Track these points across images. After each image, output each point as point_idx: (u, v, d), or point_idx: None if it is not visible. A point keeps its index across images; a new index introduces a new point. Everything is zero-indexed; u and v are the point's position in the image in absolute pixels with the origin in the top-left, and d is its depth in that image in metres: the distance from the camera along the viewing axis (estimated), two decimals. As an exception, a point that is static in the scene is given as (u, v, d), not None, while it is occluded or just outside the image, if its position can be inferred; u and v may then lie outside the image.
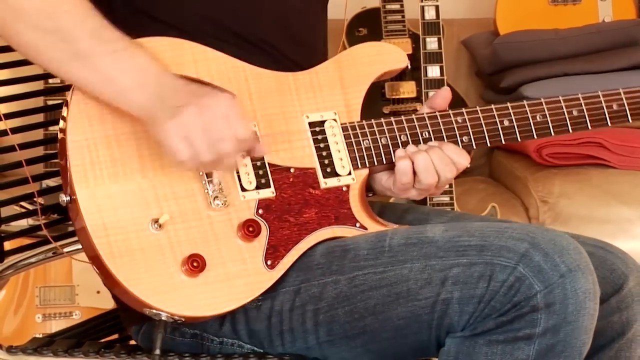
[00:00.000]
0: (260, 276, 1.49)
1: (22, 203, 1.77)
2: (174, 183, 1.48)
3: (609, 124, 1.63)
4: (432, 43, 3.14)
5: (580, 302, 1.38)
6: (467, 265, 1.41)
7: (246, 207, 1.50)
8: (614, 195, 3.10)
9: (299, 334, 1.51)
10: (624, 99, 1.64)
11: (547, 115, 1.62)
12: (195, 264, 1.45)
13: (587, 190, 3.12)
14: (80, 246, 1.57)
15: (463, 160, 1.59)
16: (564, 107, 1.62)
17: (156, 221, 1.45)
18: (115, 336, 1.85)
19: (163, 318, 1.45)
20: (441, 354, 1.46)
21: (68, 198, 1.46)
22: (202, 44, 1.54)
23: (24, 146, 1.62)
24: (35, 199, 1.62)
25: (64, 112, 1.48)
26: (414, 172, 1.57)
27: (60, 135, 1.48)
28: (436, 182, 1.57)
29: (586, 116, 1.63)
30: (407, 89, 3.39)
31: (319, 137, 1.56)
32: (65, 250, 1.76)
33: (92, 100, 1.46)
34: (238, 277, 1.47)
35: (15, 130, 1.66)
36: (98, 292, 2.85)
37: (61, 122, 1.48)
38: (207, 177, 1.49)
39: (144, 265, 1.44)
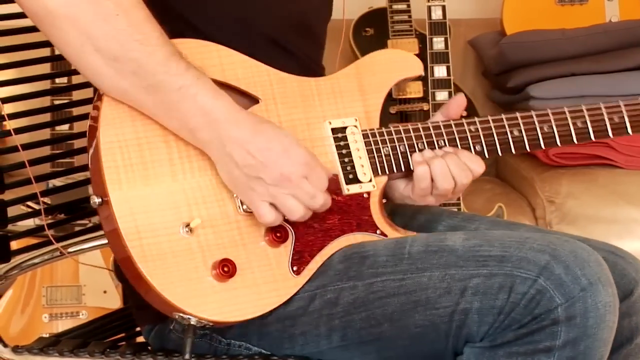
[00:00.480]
0: (287, 282, 1.48)
1: (29, 203, 1.77)
2: (204, 187, 1.47)
3: (611, 135, 1.64)
4: (438, 43, 3.14)
5: (600, 316, 1.38)
6: (487, 276, 1.41)
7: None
8: (621, 196, 3.09)
9: (311, 337, 1.51)
10: (624, 112, 1.64)
11: (554, 127, 1.62)
12: (226, 268, 1.44)
13: (594, 191, 3.12)
14: (83, 247, 1.58)
15: (478, 166, 1.59)
16: (569, 119, 1.63)
17: (187, 225, 1.44)
18: (122, 336, 1.86)
19: (192, 322, 1.44)
20: None
21: (100, 200, 1.44)
22: (228, 46, 1.53)
23: (28, 146, 1.63)
24: (40, 199, 1.62)
25: (97, 104, 1.46)
26: (432, 178, 1.57)
27: (90, 123, 1.46)
28: (453, 187, 1.57)
29: (589, 127, 1.63)
30: (414, 89, 3.39)
31: (341, 143, 1.56)
32: (70, 250, 1.76)
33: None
34: (265, 283, 1.47)
35: (22, 130, 1.66)
36: (105, 292, 2.86)
37: (93, 111, 1.46)
38: None
39: (175, 269, 1.43)
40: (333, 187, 1.52)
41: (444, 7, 3.16)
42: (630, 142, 3.18)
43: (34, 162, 1.62)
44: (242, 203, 1.47)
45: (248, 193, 1.44)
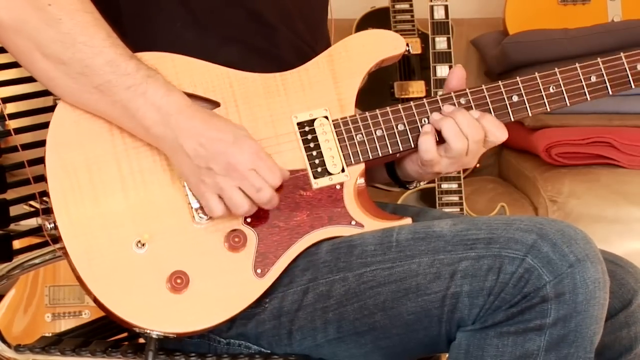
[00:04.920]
0: (251, 285, 1.48)
1: (31, 202, 1.77)
2: (157, 201, 1.48)
3: (588, 98, 1.59)
4: (441, 43, 3.14)
5: (590, 292, 1.38)
6: (476, 259, 1.41)
7: (233, 217, 1.49)
8: (623, 195, 3.09)
9: (308, 332, 1.51)
10: (602, 70, 1.60)
11: (524, 95, 1.57)
12: (179, 280, 1.45)
13: (596, 190, 3.12)
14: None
15: (492, 126, 1.54)
16: (540, 85, 1.58)
17: (138, 241, 1.45)
18: (124, 335, 1.85)
19: (154, 336, 1.46)
20: (452, 348, 1.46)
21: (52, 225, 1.47)
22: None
23: (30, 146, 1.63)
24: (43, 199, 1.62)
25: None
26: (442, 142, 1.54)
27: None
28: (466, 147, 1.54)
29: (564, 92, 1.58)
30: (416, 88, 3.39)
31: (309, 136, 1.53)
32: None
33: (70, 122, 1.47)
34: (226, 288, 1.47)
35: (24, 130, 1.66)
36: (107, 291, 2.86)
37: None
38: (190, 192, 1.48)
39: (129, 286, 1.44)
40: (300, 183, 1.52)
41: (446, 7, 3.16)
42: (633, 142, 3.18)
43: (36, 161, 1.62)
44: (196, 212, 1.47)
45: (199, 186, 1.45)
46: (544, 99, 1.58)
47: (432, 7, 3.15)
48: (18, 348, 1.63)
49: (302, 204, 1.51)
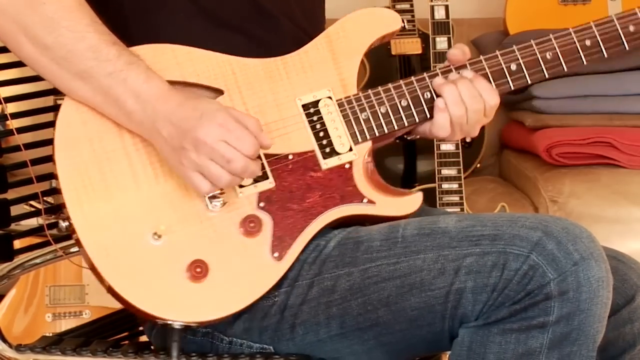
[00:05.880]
0: (269, 269, 1.48)
1: (32, 202, 1.77)
2: (170, 192, 1.48)
3: (584, 61, 1.62)
4: (441, 43, 3.14)
5: (593, 290, 1.38)
6: (480, 255, 1.41)
7: (247, 203, 1.50)
8: (624, 195, 3.09)
9: (311, 326, 1.51)
10: (596, 33, 1.62)
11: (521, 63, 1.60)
12: (198, 269, 1.45)
13: (597, 190, 3.12)
14: (73, 250, 1.59)
15: (490, 95, 1.57)
16: (537, 52, 1.60)
17: (155, 233, 1.45)
18: (124, 335, 1.86)
19: (176, 326, 1.46)
20: (455, 345, 1.46)
21: (67, 224, 1.47)
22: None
23: (31, 145, 1.63)
24: (44, 198, 1.62)
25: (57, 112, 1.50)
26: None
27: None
28: (464, 114, 1.55)
29: (560, 56, 1.61)
30: (417, 88, 3.39)
31: (315, 117, 1.54)
32: (73, 250, 1.76)
33: (76, 121, 1.48)
34: (245, 275, 1.47)
35: (25, 130, 1.66)
36: (108, 291, 2.86)
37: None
38: None
39: (150, 279, 1.44)
40: (310, 165, 1.52)
41: (447, 7, 3.16)
42: (634, 142, 3.18)
43: (37, 161, 1.62)
44: (210, 200, 1.47)
45: (180, 168, 1.45)
46: (541, 64, 1.60)
47: (432, 7, 3.15)
48: (19, 348, 1.63)
49: (313, 185, 1.52)
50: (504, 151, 3.63)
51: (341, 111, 1.55)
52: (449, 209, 2.99)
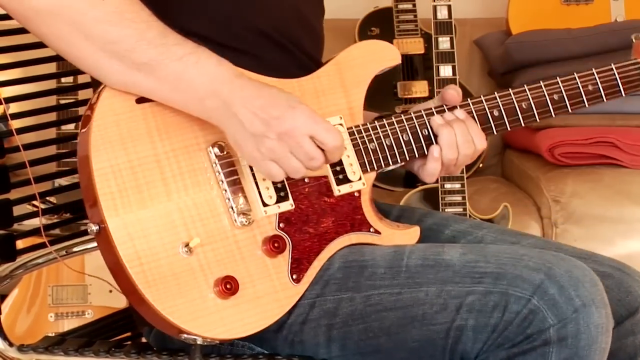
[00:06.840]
0: (288, 291, 1.48)
1: (35, 202, 1.77)
2: (199, 204, 1.46)
3: (587, 104, 1.65)
4: (444, 43, 3.14)
5: (592, 337, 1.38)
6: (483, 294, 1.41)
7: (267, 222, 1.49)
8: (627, 195, 3.09)
9: (310, 346, 1.51)
10: (597, 79, 1.65)
11: (531, 100, 1.62)
12: (228, 286, 1.43)
13: (600, 190, 3.11)
14: (76, 250, 1.58)
15: (480, 142, 1.59)
16: (545, 93, 1.63)
17: (186, 245, 1.43)
18: (127, 335, 1.86)
19: (199, 342, 1.44)
20: None
21: (97, 227, 1.42)
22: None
23: (33, 146, 1.63)
24: (46, 199, 1.62)
25: (88, 114, 1.45)
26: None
27: (82, 130, 1.46)
28: (456, 158, 1.58)
29: (565, 99, 1.64)
30: (420, 88, 3.39)
31: None
32: (76, 249, 1.76)
33: (111, 123, 1.44)
34: (267, 295, 1.46)
35: (27, 130, 1.66)
36: (110, 291, 2.86)
37: (85, 120, 1.46)
38: (231, 195, 1.47)
39: (178, 290, 1.42)
40: (324, 190, 1.53)
41: (449, 7, 3.15)
42: (636, 142, 3.17)
43: (39, 161, 1.62)
44: (238, 216, 1.46)
45: (254, 154, 1.42)
46: (549, 105, 1.63)
47: (435, 7, 3.15)
48: (21, 348, 1.63)
49: (327, 210, 1.53)
50: (506, 151, 3.63)
51: (352, 140, 1.56)
52: (452, 209, 2.99)
